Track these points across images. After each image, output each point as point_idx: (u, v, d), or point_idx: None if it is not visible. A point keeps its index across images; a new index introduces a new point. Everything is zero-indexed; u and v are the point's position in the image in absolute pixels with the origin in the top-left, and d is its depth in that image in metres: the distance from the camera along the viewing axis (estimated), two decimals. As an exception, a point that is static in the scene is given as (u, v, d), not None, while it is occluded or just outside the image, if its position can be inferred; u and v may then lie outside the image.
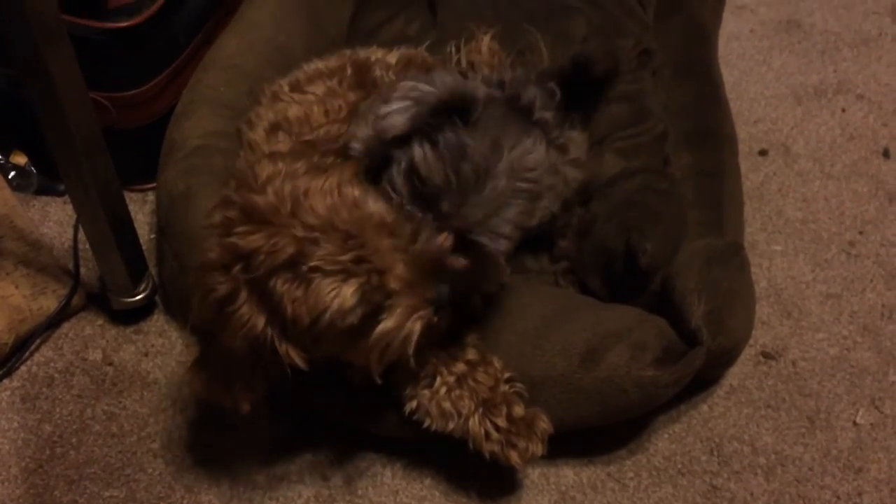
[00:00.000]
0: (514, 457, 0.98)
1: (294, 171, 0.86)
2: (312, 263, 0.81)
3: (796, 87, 1.68)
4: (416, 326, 0.86)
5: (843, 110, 1.63)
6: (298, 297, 0.82)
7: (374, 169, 0.93)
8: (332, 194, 0.84)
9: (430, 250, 0.86)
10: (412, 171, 0.89)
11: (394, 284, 0.84)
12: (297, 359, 0.87)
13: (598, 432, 1.10)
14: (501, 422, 0.98)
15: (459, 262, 0.87)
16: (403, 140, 0.91)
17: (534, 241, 1.18)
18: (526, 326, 1.07)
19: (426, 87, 0.92)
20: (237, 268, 0.83)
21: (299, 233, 0.82)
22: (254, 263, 0.82)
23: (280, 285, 0.82)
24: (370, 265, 0.83)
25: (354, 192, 0.85)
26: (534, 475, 1.10)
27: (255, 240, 0.82)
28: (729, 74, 1.60)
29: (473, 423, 0.98)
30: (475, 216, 0.86)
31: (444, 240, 0.87)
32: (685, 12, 1.57)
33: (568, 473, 1.11)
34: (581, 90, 1.19)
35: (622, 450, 1.13)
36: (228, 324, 0.85)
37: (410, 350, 0.87)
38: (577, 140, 1.14)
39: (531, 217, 0.91)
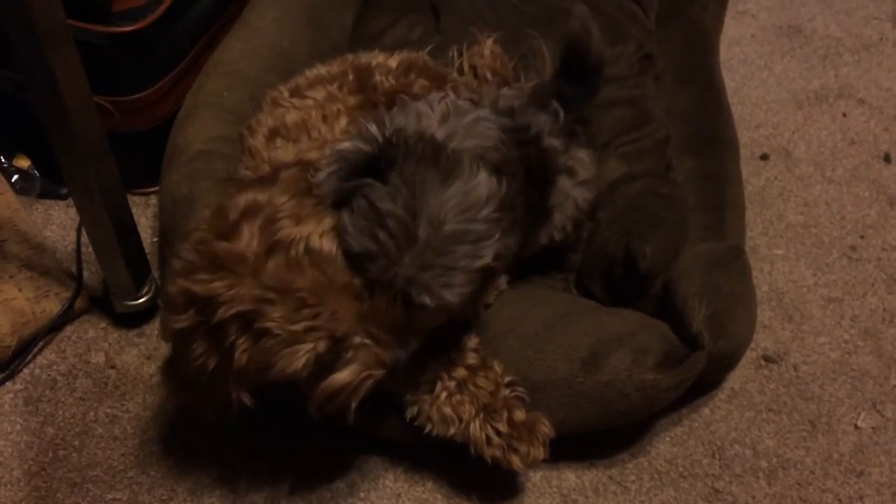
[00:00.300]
0: (515, 461, 0.98)
1: (274, 212, 0.84)
2: (265, 325, 0.81)
3: (797, 91, 1.68)
4: (364, 385, 0.86)
5: (845, 115, 1.63)
6: (248, 350, 0.83)
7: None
8: (298, 249, 0.82)
9: (389, 316, 0.85)
10: (345, 238, 0.86)
11: (350, 348, 0.85)
12: (245, 398, 0.88)
13: (600, 435, 1.10)
14: (502, 426, 0.98)
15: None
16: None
17: (545, 256, 1.18)
18: (528, 331, 1.07)
19: (350, 146, 0.90)
20: (191, 311, 0.84)
21: (256, 291, 0.81)
22: (210, 308, 0.83)
23: (232, 333, 0.83)
24: (324, 332, 0.82)
25: (324, 247, 0.84)
26: (536, 478, 1.10)
27: (215, 287, 0.82)
28: (730, 79, 1.61)
29: (474, 427, 0.98)
30: (404, 276, 0.82)
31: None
32: (687, 17, 1.57)
33: (570, 476, 1.11)
34: (578, 86, 1.16)
35: (624, 453, 1.13)
36: (185, 354, 0.86)
37: (354, 404, 0.87)
38: (584, 160, 1.12)
39: (480, 257, 0.84)
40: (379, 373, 0.86)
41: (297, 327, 0.82)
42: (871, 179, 1.50)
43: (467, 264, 0.83)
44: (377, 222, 0.82)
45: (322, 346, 0.83)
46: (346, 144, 0.91)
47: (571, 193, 1.10)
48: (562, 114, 1.08)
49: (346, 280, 0.84)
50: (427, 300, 0.83)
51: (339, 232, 0.85)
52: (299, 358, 0.82)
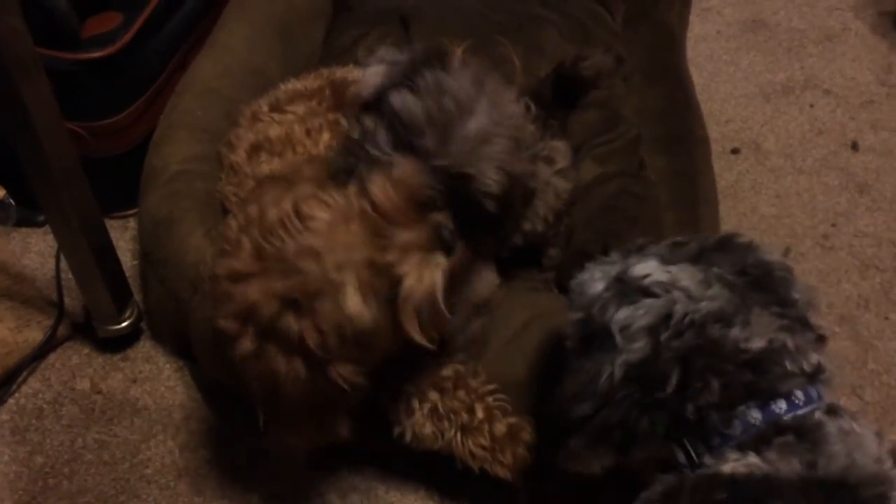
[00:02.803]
0: (501, 471, 0.99)
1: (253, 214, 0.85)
2: (312, 289, 0.80)
3: (764, 85, 1.71)
4: (435, 275, 0.83)
5: (811, 106, 1.66)
6: (310, 325, 0.81)
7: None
8: (290, 219, 0.82)
9: (405, 180, 0.84)
10: (393, 119, 0.87)
11: (390, 256, 0.82)
12: (352, 374, 0.84)
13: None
14: (484, 441, 0.98)
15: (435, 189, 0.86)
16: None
17: (523, 254, 1.20)
18: (507, 332, 1.08)
19: (397, 53, 0.93)
20: (249, 327, 0.82)
21: (285, 265, 0.80)
22: (261, 314, 0.81)
23: (291, 322, 0.81)
24: (356, 261, 0.81)
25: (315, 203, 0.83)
26: (526, 481, 1.11)
27: (250, 293, 0.81)
28: (698, 76, 1.63)
29: (456, 444, 0.99)
30: (460, 151, 0.84)
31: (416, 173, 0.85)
32: (652, 18, 1.59)
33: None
34: (559, 98, 1.19)
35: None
36: (275, 377, 0.83)
37: (441, 301, 0.83)
38: (560, 149, 1.13)
39: (513, 163, 0.89)
40: (437, 254, 0.84)
41: (330, 273, 0.80)
42: (840, 168, 1.53)
43: (505, 163, 0.88)
44: (442, 93, 0.87)
45: (363, 273, 0.81)
46: (388, 49, 0.95)
47: (551, 181, 1.11)
48: (533, 107, 1.10)
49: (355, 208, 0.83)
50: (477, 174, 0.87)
51: (385, 123, 0.88)
52: (349, 295, 0.80)
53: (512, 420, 1.00)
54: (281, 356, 0.82)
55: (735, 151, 1.56)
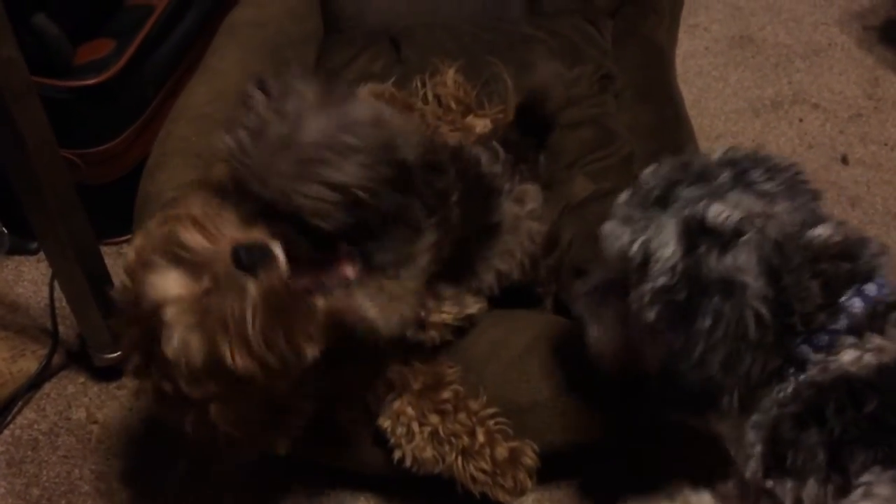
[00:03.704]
0: (502, 496, 0.99)
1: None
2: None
3: (753, 100, 1.72)
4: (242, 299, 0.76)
5: (801, 120, 1.67)
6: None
7: None
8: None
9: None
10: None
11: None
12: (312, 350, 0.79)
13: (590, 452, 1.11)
14: (485, 465, 0.98)
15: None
16: None
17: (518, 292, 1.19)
18: (510, 354, 1.08)
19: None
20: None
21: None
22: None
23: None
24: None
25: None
26: (528, 502, 1.11)
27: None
28: (688, 92, 1.64)
29: (457, 468, 0.98)
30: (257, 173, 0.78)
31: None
32: (641, 35, 1.60)
33: (562, 498, 1.11)
34: (528, 135, 1.21)
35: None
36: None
37: (249, 325, 0.75)
38: (530, 192, 1.12)
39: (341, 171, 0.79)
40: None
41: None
42: (831, 182, 1.54)
43: (327, 174, 0.78)
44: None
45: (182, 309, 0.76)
46: None
47: (523, 223, 1.10)
48: (501, 152, 1.11)
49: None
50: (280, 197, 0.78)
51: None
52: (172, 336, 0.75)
53: (513, 444, 0.99)
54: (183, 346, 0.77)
55: (727, 166, 1.57)
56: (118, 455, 1.16)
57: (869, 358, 0.72)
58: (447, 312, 1.02)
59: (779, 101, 1.72)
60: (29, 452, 1.16)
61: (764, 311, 0.73)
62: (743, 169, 0.80)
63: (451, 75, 1.41)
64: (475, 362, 1.06)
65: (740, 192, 0.78)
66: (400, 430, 0.99)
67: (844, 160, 1.59)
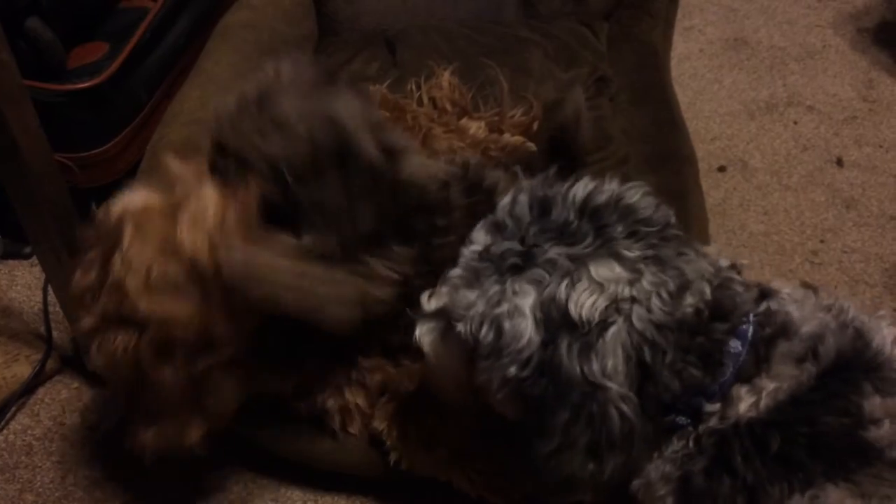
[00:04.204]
0: (499, 498, 0.98)
1: None
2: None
3: (748, 102, 1.72)
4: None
5: (795, 122, 1.67)
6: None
7: None
8: None
9: None
10: None
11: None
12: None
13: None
14: (483, 466, 0.98)
15: None
16: None
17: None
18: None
19: None
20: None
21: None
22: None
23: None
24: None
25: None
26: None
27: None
28: (683, 95, 1.64)
29: (455, 470, 0.98)
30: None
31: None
32: (636, 38, 1.60)
33: None
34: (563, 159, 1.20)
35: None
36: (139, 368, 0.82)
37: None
38: None
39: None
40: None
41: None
42: (826, 184, 1.54)
43: (262, 143, 0.85)
44: None
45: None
46: None
47: None
48: (522, 176, 1.09)
49: None
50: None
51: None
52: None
53: (511, 448, 0.99)
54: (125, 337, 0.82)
55: (722, 169, 1.58)
56: (113, 461, 1.15)
57: (766, 401, 0.70)
58: None
59: (773, 103, 1.72)
60: (23, 458, 1.16)
61: (628, 411, 0.69)
62: (604, 224, 0.73)
63: (446, 78, 1.40)
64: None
65: (604, 260, 0.71)
66: (395, 433, 0.99)
67: (839, 162, 1.59)
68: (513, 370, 0.71)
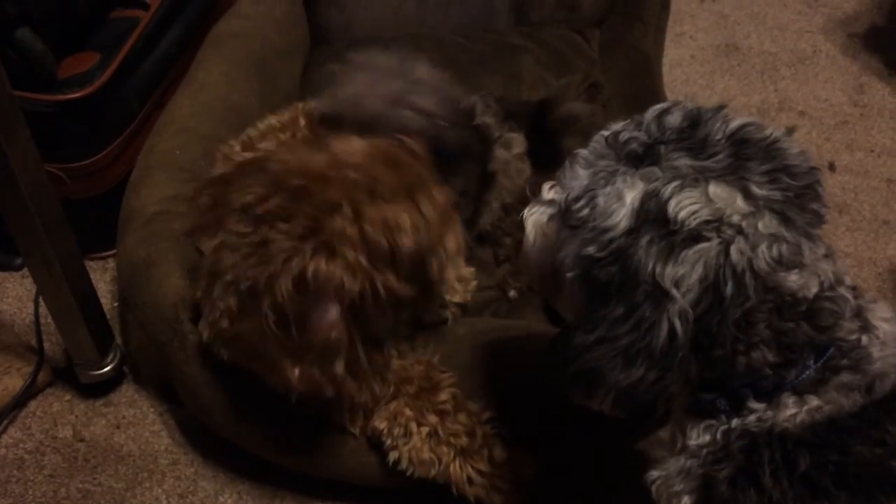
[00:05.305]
0: (498, 500, 0.98)
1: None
2: (383, 192, 0.84)
3: (740, 108, 1.73)
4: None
5: (787, 128, 1.67)
6: (388, 226, 0.83)
7: None
8: (355, 144, 0.89)
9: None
10: None
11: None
12: (404, 286, 0.85)
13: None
14: (483, 466, 0.97)
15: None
16: None
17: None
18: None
19: None
20: (328, 223, 0.82)
21: (357, 175, 0.84)
22: (339, 213, 0.83)
23: (367, 224, 0.83)
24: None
25: (362, 141, 0.91)
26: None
27: (330, 194, 0.83)
28: (675, 101, 1.64)
29: (454, 469, 0.98)
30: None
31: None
32: (628, 44, 1.61)
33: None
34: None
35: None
36: (330, 286, 0.82)
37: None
38: (517, 139, 1.25)
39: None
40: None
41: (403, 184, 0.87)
42: (819, 189, 1.54)
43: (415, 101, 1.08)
44: None
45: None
46: None
47: (512, 164, 1.21)
48: (492, 101, 1.22)
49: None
50: None
51: None
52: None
53: (512, 449, 0.99)
54: (349, 255, 0.82)
55: (715, 175, 1.58)
56: (105, 473, 1.14)
57: (803, 416, 0.68)
58: (461, 291, 1.12)
59: (765, 108, 1.72)
60: (14, 472, 1.15)
61: (680, 329, 0.65)
62: (747, 154, 0.68)
63: (438, 86, 1.40)
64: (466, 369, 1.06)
65: (729, 184, 0.66)
66: (397, 431, 0.98)
67: (831, 167, 1.59)
68: (591, 249, 0.67)
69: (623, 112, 1.50)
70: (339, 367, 0.85)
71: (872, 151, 1.62)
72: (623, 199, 0.67)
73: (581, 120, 1.30)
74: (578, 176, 0.71)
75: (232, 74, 1.39)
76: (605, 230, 0.67)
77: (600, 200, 0.68)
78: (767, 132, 0.70)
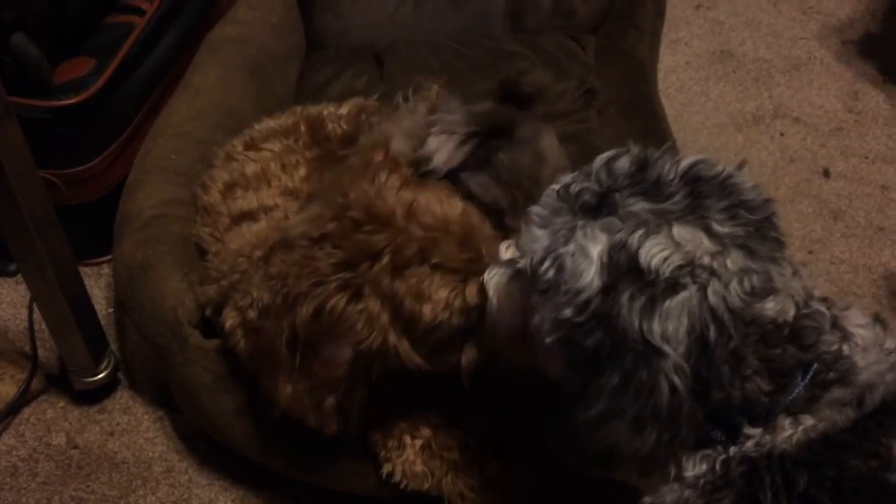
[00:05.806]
0: None
1: (400, 179, 0.88)
2: (435, 261, 0.83)
3: (735, 115, 1.73)
4: None
5: (782, 134, 1.68)
6: (422, 293, 0.82)
7: None
8: (441, 204, 0.86)
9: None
10: (471, 198, 0.95)
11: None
12: (415, 357, 0.86)
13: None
14: (475, 482, 0.97)
15: None
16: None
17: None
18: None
19: (460, 118, 1.01)
20: (364, 266, 0.83)
21: (419, 233, 0.83)
22: (379, 262, 0.83)
23: (402, 282, 0.82)
24: (482, 265, 0.84)
25: (459, 204, 0.88)
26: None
27: (380, 240, 0.83)
28: (670, 107, 1.65)
29: (447, 483, 0.97)
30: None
31: None
32: (623, 51, 1.61)
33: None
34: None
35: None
36: (343, 327, 0.83)
37: None
38: None
39: None
40: None
41: (464, 256, 0.84)
42: (813, 195, 1.55)
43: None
44: (517, 175, 0.99)
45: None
46: (449, 115, 1.03)
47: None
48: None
49: (488, 231, 0.89)
50: None
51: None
52: (474, 291, 0.84)
53: (505, 463, 0.98)
54: (372, 306, 0.83)
55: (710, 181, 1.58)
56: (98, 481, 1.14)
57: (799, 436, 0.67)
58: None
59: (760, 115, 1.73)
60: (7, 479, 1.14)
61: (680, 385, 0.64)
62: (702, 192, 0.68)
63: (433, 92, 1.40)
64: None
65: (691, 224, 0.66)
66: (391, 443, 0.98)
67: (826, 174, 1.60)
68: (568, 312, 0.66)
69: (618, 118, 1.50)
70: (330, 403, 0.87)
71: (867, 158, 1.63)
72: (589, 256, 0.66)
73: (549, 87, 1.27)
74: (537, 238, 0.70)
75: (228, 79, 1.39)
76: (579, 291, 0.66)
77: (566, 261, 0.67)
78: (719, 169, 0.70)
